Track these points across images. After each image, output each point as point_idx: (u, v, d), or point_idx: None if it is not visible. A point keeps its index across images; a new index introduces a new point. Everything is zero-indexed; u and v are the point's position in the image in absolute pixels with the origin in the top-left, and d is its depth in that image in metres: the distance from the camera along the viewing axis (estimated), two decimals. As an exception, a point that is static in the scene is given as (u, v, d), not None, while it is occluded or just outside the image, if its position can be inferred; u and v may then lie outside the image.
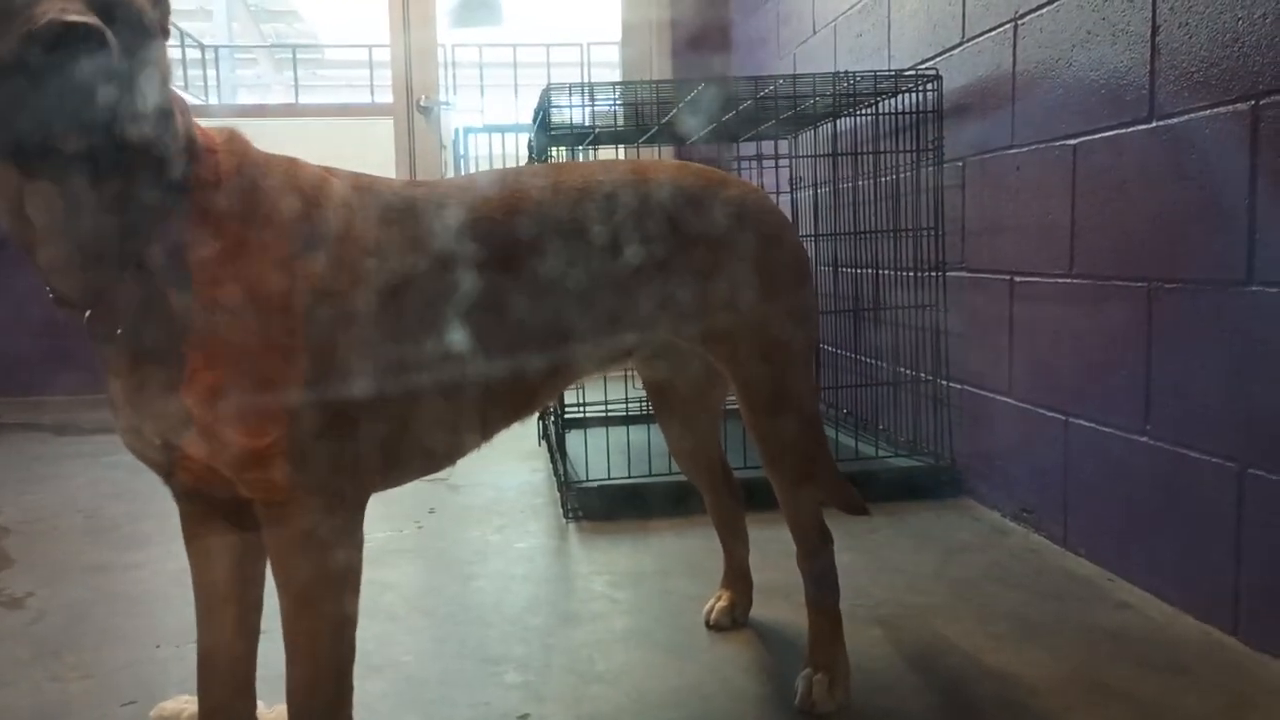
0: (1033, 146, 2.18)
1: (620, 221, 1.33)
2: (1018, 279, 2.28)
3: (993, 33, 2.32)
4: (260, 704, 1.32)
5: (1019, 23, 2.21)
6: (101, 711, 1.50)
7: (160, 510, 2.50)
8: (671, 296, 1.37)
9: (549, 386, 1.37)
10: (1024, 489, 2.29)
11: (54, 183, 0.94)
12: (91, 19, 0.89)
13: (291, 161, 1.16)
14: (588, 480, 2.53)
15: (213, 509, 1.20)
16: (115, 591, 2.02)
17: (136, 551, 2.28)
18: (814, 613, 1.52)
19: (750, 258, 1.40)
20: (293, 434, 1.05)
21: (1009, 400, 2.33)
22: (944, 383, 2.63)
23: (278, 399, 1.04)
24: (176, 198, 1.03)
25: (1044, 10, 2.12)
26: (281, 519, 1.09)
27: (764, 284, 1.41)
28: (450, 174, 4.82)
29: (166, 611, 1.89)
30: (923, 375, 2.72)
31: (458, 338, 1.19)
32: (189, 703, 1.44)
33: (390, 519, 2.45)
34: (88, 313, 1.02)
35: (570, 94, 2.66)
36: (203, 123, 1.15)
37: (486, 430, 1.31)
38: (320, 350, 1.07)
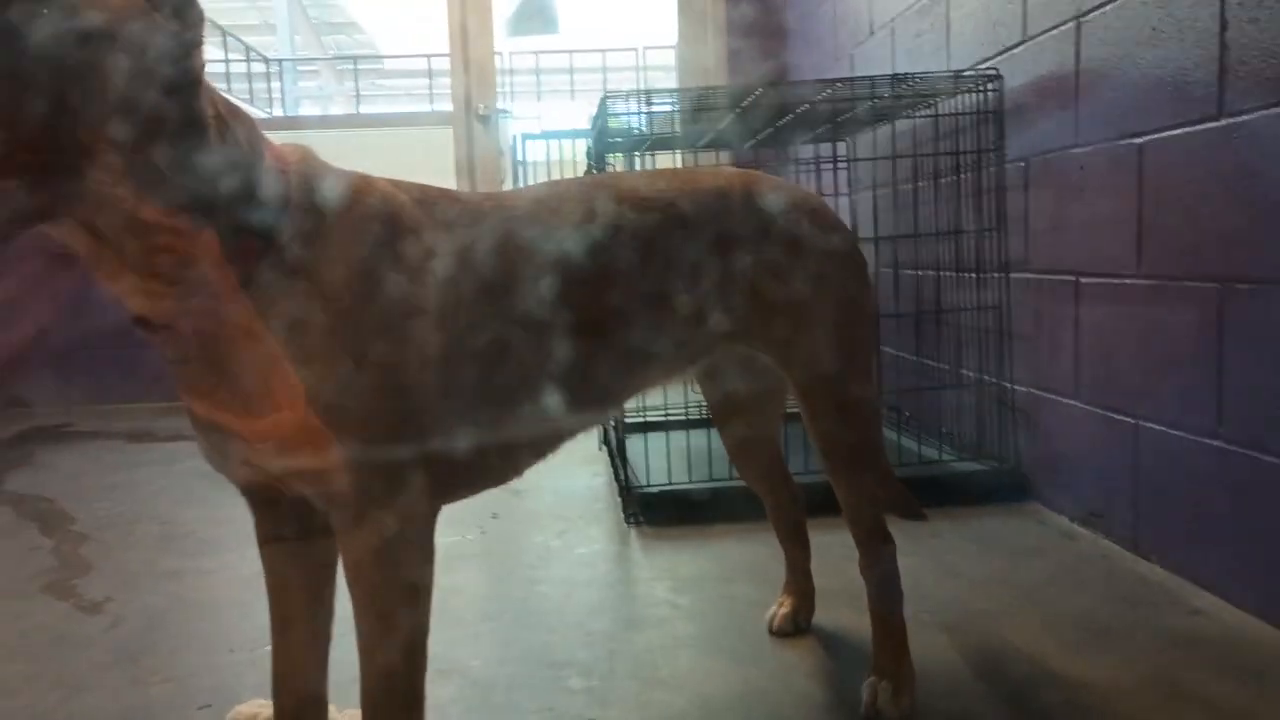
0: (1098, 146, 2.15)
1: (683, 230, 1.33)
2: (1083, 280, 2.24)
3: (1055, 31, 2.29)
4: (332, 708, 1.36)
5: (1082, 21, 2.18)
6: (179, 715, 1.54)
7: (230, 516, 2.57)
8: (734, 304, 1.37)
9: (617, 397, 1.39)
10: (1092, 493, 2.26)
11: (118, 202, 0.94)
12: None
13: (362, 178, 1.18)
14: (649, 485, 2.54)
15: (287, 520, 1.24)
16: (189, 597, 2.08)
17: (209, 558, 2.34)
18: (878, 619, 1.51)
19: (809, 263, 1.40)
20: (363, 450, 1.07)
21: (1076, 403, 2.30)
22: (1008, 385, 2.60)
23: (349, 417, 1.06)
24: (248, 215, 1.04)
25: (1107, 8, 2.09)
26: (354, 532, 1.11)
27: (824, 289, 1.41)
28: (509, 181, 4.86)
29: (239, 616, 1.94)
30: (986, 378, 2.69)
31: (528, 350, 1.21)
32: (263, 706, 1.48)
33: (455, 524, 2.48)
34: (161, 333, 1.06)
35: (628, 101, 2.68)
36: (271, 137, 1.17)
37: (555, 441, 1.32)
38: (391, 365, 1.09)
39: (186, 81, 0.98)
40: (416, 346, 1.11)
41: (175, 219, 0.99)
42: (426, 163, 5.07)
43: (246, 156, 1.05)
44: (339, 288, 1.07)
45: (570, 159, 4.81)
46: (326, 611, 1.31)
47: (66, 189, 0.92)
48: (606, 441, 3.20)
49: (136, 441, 3.92)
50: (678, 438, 2.75)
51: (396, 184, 1.22)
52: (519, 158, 4.69)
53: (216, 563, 2.29)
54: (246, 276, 1.03)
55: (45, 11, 0.87)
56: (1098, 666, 1.58)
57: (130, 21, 0.93)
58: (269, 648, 1.31)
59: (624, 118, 2.80)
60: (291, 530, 1.25)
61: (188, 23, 0.98)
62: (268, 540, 1.28)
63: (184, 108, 0.98)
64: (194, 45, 0.99)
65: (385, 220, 1.13)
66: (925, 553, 2.14)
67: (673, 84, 7.16)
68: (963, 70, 2.66)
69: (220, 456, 1.14)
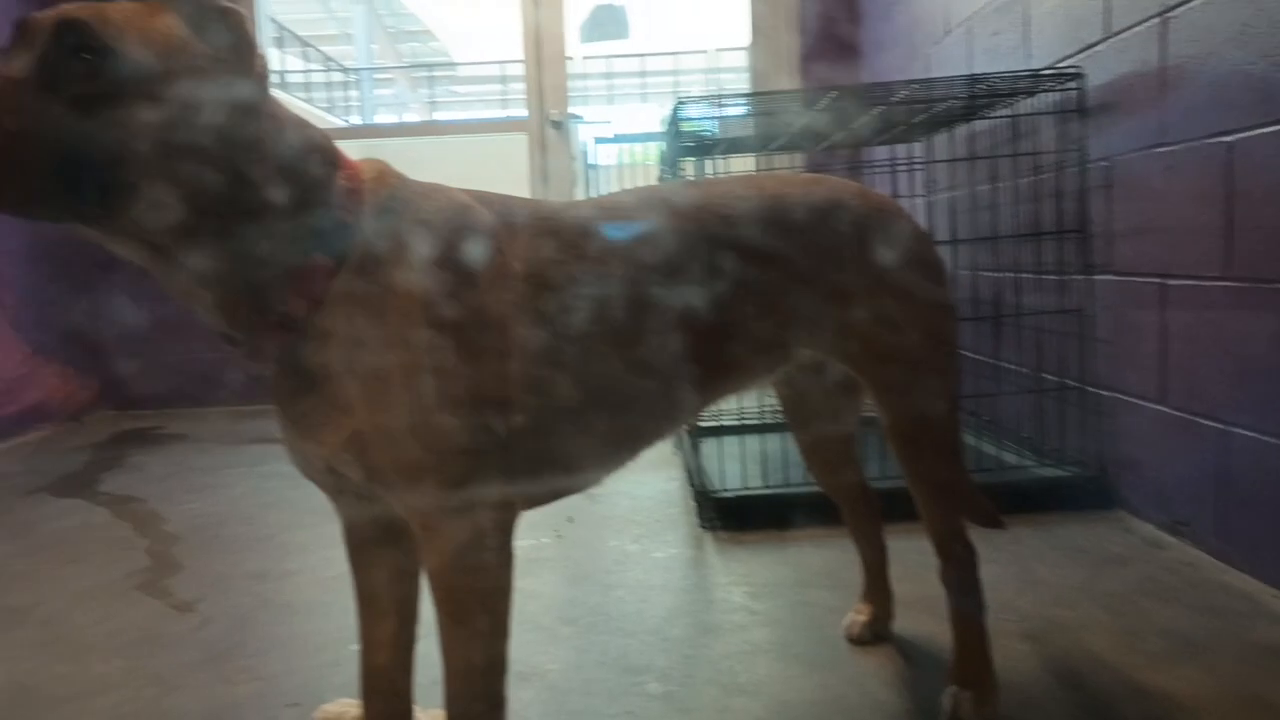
0: (1184, 145, 2.10)
1: (763, 240, 1.34)
2: (1170, 282, 2.19)
3: (1139, 28, 2.24)
4: (417, 708, 1.39)
5: (1168, 17, 2.13)
6: (268, 714, 1.59)
7: (313, 520, 2.64)
8: (814, 314, 1.37)
9: (695, 407, 1.39)
10: (1179, 500, 2.20)
11: (182, 233, 1.00)
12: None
13: (439, 192, 1.20)
14: (723, 490, 2.54)
15: (374, 525, 1.27)
16: (275, 598, 2.14)
17: (293, 559, 2.40)
18: (958, 627, 1.50)
19: (891, 272, 1.39)
20: (444, 459, 1.09)
21: (1162, 408, 2.24)
22: (1090, 390, 2.54)
23: (430, 428, 1.08)
24: (320, 237, 1.07)
25: (1195, 3, 2.03)
26: (435, 539, 1.14)
27: (905, 298, 1.40)
28: (580, 185, 4.90)
29: (324, 618, 1.98)
30: (1068, 382, 2.64)
31: (609, 362, 1.22)
32: (349, 706, 1.51)
33: (531, 528, 2.51)
34: (246, 348, 1.10)
35: (701, 106, 2.68)
36: (348, 146, 1.20)
37: (635, 450, 1.34)
38: (472, 377, 1.11)
39: (257, 120, 1.03)
40: (493, 359, 1.13)
41: (251, 246, 1.03)
42: (500, 169, 5.14)
43: (319, 181, 1.08)
44: (412, 304, 1.09)
45: (641, 162, 4.84)
46: (412, 616, 1.34)
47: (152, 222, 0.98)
48: (680, 446, 3.20)
49: (222, 444, 4.04)
50: (752, 441, 2.74)
51: (475, 195, 1.24)
52: (591, 162, 4.73)
53: (301, 564, 2.35)
54: (320, 296, 1.07)
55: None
56: (1182, 679, 1.54)
57: (209, 76, 0.99)
58: (354, 648, 1.34)
59: (697, 122, 2.81)
60: (377, 533, 1.29)
61: (252, 68, 1.04)
62: (354, 542, 1.31)
63: (258, 145, 1.03)
64: (263, 92, 1.05)
65: (460, 234, 1.15)
66: (1006, 560, 2.11)
67: (744, 85, 7.15)
68: (1043, 69, 2.61)
69: (305, 463, 1.17)
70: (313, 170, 1.09)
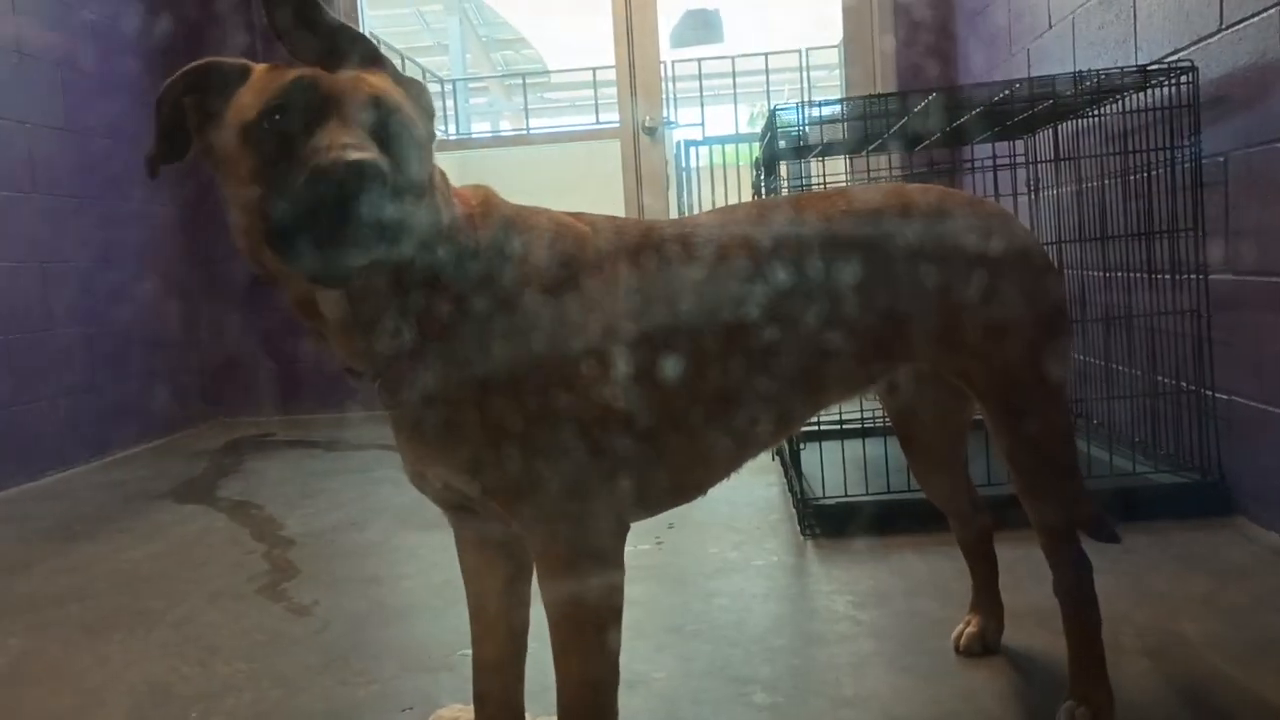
0: (1307, 138, 2.01)
1: (874, 253, 1.33)
2: (1293, 281, 2.10)
3: (1256, 19, 2.16)
4: (528, 715, 1.42)
5: (1287, 6, 2.05)
6: (386, 717, 1.64)
7: (422, 525, 2.70)
8: (925, 326, 1.36)
9: (800, 417, 1.40)
10: (1306, 508, 2.11)
11: (342, 290, 1.06)
12: (373, 154, 0.94)
13: (544, 217, 1.23)
14: (825, 497, 2.53)
15: (486, 536, 1.31)
16: (389, 602, 2.20)
17: (405, 564, 2.47)
18: (1073, 641, 1.47)
19: (1003, 285, 1.37)
20: (560, 479, 1.13)
21: (1285, 412, 2.16)
22: (1208, 393, 2.46)
23: (546, 449, 1.12)
24: (442, 271, 1.12)
25: (1317, -9, 1.95)
26: (550, 554, 1.17)
27: (1018, 312, 1.38)
28: (673, 188, 4.92)
29: (436, 623, 2.03)
30: (1184, 385, 2.55)
31: (715, 376, 1.24)
32: (462, 711, 1.55)
33: (632, 536, 2.51)
34: (377, 382, 1.14)
35: (798, 112, 2.67)
36: (448, 158, 1.25)
37: (739, 460, 1.35)
38: (586, 397, 1.14)
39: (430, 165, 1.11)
40: (604, 378, 1.15)
41: (396, 283, 1.08)
42: (594, 174, 5.19)
43: (440, 209, 1.13)
44: (527, 328, 1.13)
45: (734, 163, 4.83)
46: (523, 623, 1.37)
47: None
48: (779, 452, 3.19)
49: (333, 450, 4.17)
50: (853, 446, 2.72)
51: (580, 218, 1.27)
52: (683, 165, 4.75)
53: (412, 569, 2.42)
54: (446, 323, 1.11)
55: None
56: (1317, 698, 1.48)
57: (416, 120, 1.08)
58: (466, 653, 1.38)
59: (793, 127, 2.79)
60: (490, 544, 1.32)
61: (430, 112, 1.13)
62: (467, 553, 1.36)
63: (426, 186, 1.09)
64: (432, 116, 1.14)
65: (569, 258, 1.19)
66: (1122, 571, 2.05)
67: (837, 82, 7.07)
68: (1151, 62, 2.53)
69: (422, 479, 1.22)
70: (434, 201, 1.13)
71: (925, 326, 1.36)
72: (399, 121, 1.02)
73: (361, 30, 5.20)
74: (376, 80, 1.04)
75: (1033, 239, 1.46)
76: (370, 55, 1.07)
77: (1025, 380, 1.40)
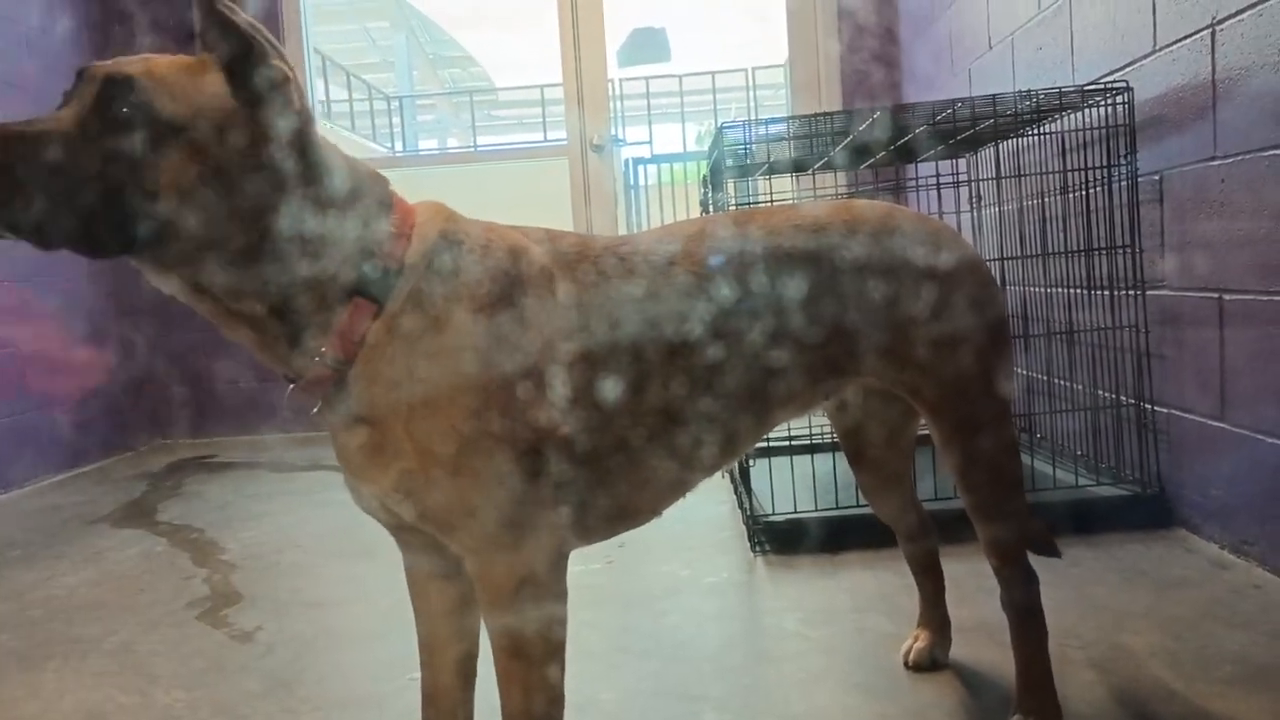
0: (1239, 158, 2.07)
1: (822, 269, 1.34)
2: (1227, 297, 2.15)
3: (1187, 41, 2.21)
4: (478, 741, 1.39)
5: (1216, 29, 2.10)
6: (332, 743, 1.60)
7: (369, 547, 2.65)
8: (874, 342, 1.37)
9: (750, 438, 1.39)
10: (1244, 519, 2.16)
11: (217, 275, 1.05)
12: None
13: (492, 233, 1.21)
14: (774, 514, 2.53)
15: (434, 559, 1.28)
16: (335, 626, 2.16)
17: (350, 587, 2.43)
18: (1021, 655, 1.48)
19: (950, 298, 1.38)
20: (493, 500, 1.11)
21: (1223, 425, 2.20)
22: (1148, 407, 2.50)
23: (476, 471, 1.10)
24: (362, 280, 1.09)
25: (1244, 15, 2.01)
26: (488, 576, 1.15)
27: (965, 325, 1.39)
28: (622, 205, 4.93)
29: (383, 646, 2.00)
30: (1125, 399, 2.60)
31: (661, 397, 1.22)
32: (410, 737, 1.52)
33: (582, 556, 2.47)
34: (291, 386, 1.12)
35: (744, 128, 2.69)
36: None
37: (689, 483, 1.34)
38: (517, 418, 1.12)
39: (297, 167, 1.06)
40: (540, 399, 1.13)
41: (289, 290, 1.06)
42: (542, 192, 5.18)
43: (363, 226, 1.11)
44: (452, 345, 1.11)
45: (681, 181, 4.86)
46: (472, 648, 1.35)
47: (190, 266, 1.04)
48: (729, 469, 3.19)
49: (277, 471, 4.09)
50: (802, 463, 2.73)
51: (530, 232, 1.25)
52: (631, 183, 4.76)
53: (358, 592, 2.38)
54: (360, 339, 1.09)
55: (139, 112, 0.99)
56: (1256, 708, 1.51)
57: (245, 127, 1.03)
58: (414, 676, 1.36)
59: (740, 145, 2.81)
60: (437, 566, 1.30)
61: (293, 118, 1.06)
62: (414, 575, 1.33)
63: (294, 192, 1.06)
64: (303, 141, 1.07)
65: (505, 275, 1.16)
66: (1066, 583, 2.07)
67: (783, 101, 7.14)
68: (1089, 83, 2.59)
69: (361, 498, 1.20)
70: (356, 215, 1.11)
71: (874, 342, 1.37)
72: (124, 100, 0.99)
73: (307, 48, 5.13)
74: (136, 64, 1.02)
75: (975, 254, 1.48)
76: (239, 44, 1.03)
77: (973, 393, 1.41)
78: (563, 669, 1.18)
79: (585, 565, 2.43)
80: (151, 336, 4.81)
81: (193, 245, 1.02)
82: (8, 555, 2.92)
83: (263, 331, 1.09)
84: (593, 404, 1.18)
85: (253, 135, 1.03)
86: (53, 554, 2.91)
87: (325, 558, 2.74)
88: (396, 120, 10.32)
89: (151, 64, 1.02)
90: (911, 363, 1.39)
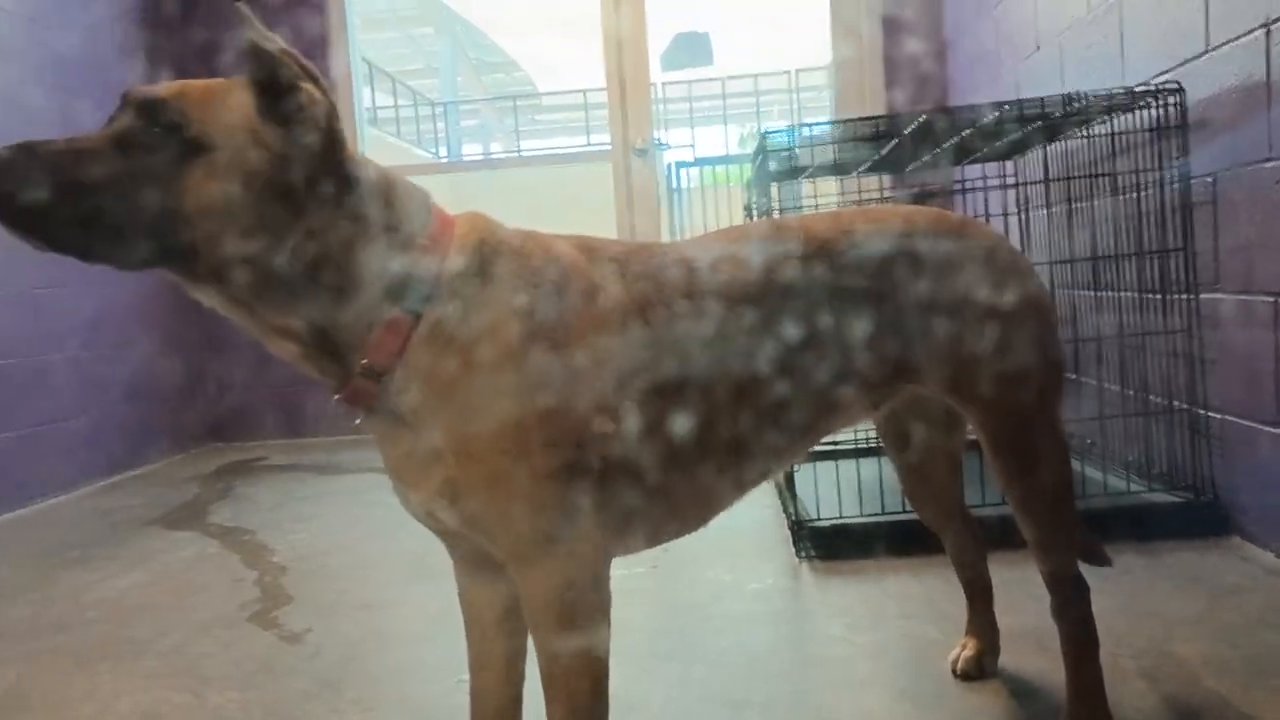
0: (1295, 158, 2.03)
1: (870, 276, 1.33)
2: (1283, 300, 2.11)
3: (1242, 40, 2.17)
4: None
5: (1272, 28, 2.06)
6: (381, 745, 1.62)
7: (416, 549, 2.68)
8: (919, 352, 1.36)
9: (798, 449, 1.39)
10: (1300, 527, 2.11)
11: (252, 288, 1.08)
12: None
13: (529, 239, 1.21)
14: (819, 519, 2.52)
15: (481, 562, 1.29)
16: (383, 628, 2.19)
17: (398, 589, 2.45)
18: (1071, 665, 1.46)
19: (998, 308, 1.37)
20: (533, 508, 1.12)
21: (1277, 430, 2.16)
22: (1201, 412, 2.46)
23: (516, 477, 1.11)
24: (400, 291, 1.11)
25: (1302, 12, 1.97)
26: (530, 582, 1.16)
27: (1011, 334, 1.38)
28: (664, 209, 4.93)
29: (431, 648, 2.02)
30: (1176, 404, 2.56)
31: (707, 406, 1.23)
32: (458, 740, 1.54)
33: (626, 559, 2.50)
34: (335, 397, 1.15)
35: (789, 134, 2.68)
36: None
37: (734, 497, 1.34)
38: (554, 429, 1.12)
39: (330, 183, 1.09)
40: (579, 409, 1.13)
41: (325, 302, 1.09)
42: (586, 197, 5.20)
43: (401, 238, 1.12)
44: (489, 355, 1.11)
45: (724, 184, 4.85)
46: (520, 647, 1.36)
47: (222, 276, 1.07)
48: (773, 472, 3.18)
49: (325, 474, 4.15)
50: (847, 467, 2.72)
51: (576, 241, 1.25)
52: (674, 186, 4.76)
53: (405, 594, 2.40)
54: (398, 349, 1.11)
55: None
56: (1316, 719, 1.48)
57: (275, 148, 1.06)
58: (463, 679, 1.37)
59: (784, 149, 2.80)
60: (485, 570, 1.31)
61: (327, 137, 1.08)
62: (463, 578, 1.34)
63: (327, 209, 1.08)
64: (336, 158, 1.09)
65: (542, 286, 1.16)
66: (1118, 592, 2.04)
67: (826, 103, 7.11)
68: (1139, 84, 2.55)
69: (407, 503, 1.21)
70: (393, 231, 1.12)
71: (920, 349, 1.36)
72: (155, 120, 1.03)
73: (355, 56, 5.19)
74: (172, 87, 1.06)
75: (1023, 259, 1.47)
76: (269, 68, 1.06)
77: (1019, 402, 1.40)
78: (606, 672, 1.19)
79: (629, 569, 2.44)
80: (202, 339, 4.90)
81: (223, 261, 1.05)
82: (65, 556, 2.98)
83: (303, 345, 1.12)
84: (640, 423, 1.18)
85: (280, 156, 1.06)
86: (107, 555, 2.97)
87: (373, 560, 2.77)
88: (441, 126, 10.41)
89: (186, 87, 1.07)
90: (956, 368, 1.37)
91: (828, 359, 1.30)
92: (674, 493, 1.25)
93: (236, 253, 1.05)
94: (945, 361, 1.37)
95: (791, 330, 1.28)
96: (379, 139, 7.81)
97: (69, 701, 1.89)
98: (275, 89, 1.06)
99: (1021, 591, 1.91)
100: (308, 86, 1.07)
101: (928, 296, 1.35)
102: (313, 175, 1.07)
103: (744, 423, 1.26)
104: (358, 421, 1.17)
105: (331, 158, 1.09)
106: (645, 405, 1.18)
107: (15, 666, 2.09)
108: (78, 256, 1.03)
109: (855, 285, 1.32)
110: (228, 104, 1.06)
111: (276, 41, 1.06)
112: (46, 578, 2.75)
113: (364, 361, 1.11)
